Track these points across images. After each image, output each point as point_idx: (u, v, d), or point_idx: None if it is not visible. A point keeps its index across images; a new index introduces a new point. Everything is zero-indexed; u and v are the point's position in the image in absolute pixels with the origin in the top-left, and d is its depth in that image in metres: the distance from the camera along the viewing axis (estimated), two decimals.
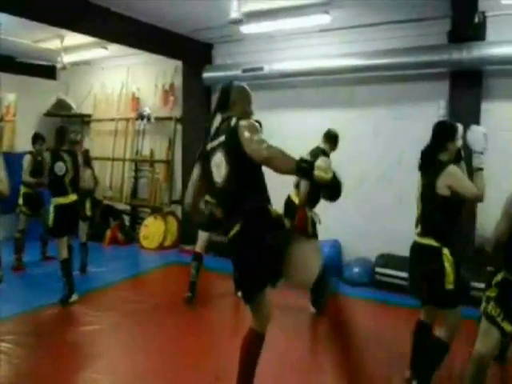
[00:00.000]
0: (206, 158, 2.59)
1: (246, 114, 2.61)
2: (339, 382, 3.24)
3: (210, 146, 2.57)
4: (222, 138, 2.48)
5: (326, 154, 4.63)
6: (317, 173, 2.16)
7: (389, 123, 5.86)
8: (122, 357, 3.75)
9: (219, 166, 2.49)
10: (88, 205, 5.83)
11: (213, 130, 2.63)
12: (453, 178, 2.80)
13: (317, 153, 4.62)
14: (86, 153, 6.54)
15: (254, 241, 2.41)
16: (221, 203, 2.62)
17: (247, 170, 2.43)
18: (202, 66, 6.93)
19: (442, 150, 2.93)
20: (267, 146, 2.28)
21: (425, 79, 5.53)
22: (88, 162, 6.11)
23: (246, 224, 2.42)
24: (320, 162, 2.19)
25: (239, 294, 2.59)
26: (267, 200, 2.53)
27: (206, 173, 2.61)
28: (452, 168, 2.83)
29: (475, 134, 2.95)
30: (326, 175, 2.17)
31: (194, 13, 5.57)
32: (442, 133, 2.99)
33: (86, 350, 3.84)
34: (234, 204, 2.49)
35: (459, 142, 3.00)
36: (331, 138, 4.65)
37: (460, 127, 3.02)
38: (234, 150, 2.41)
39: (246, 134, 2.36)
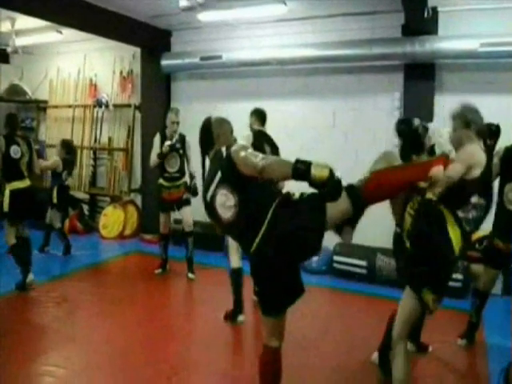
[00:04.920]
0: (210, 208, 2.51)
1: (231, 142, 2.62)
2: (301, 367, 3.34)
3: (209, 195, 2.49)
4: (219, 174, 2.43)
5: (267, 135, 4.56)
6: (313, 171, 2.08)
7: (346, 114, 5.94)
8: (75, 349, 3.71)
9: (224, 203, 2.40)
10: (55, 192, 5.88)
11: (206, 172, 2.59)
12: None
13: (260, 135, 4.55)
14: (70, 143, 6.44)
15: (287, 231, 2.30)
16: (239, 230, 2.48)
17: (254, 189, 2.37)
18: (161, 53, 6.81)
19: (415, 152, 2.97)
20: (261, 157, 2.26)
21: (380, 71, 5.62)
22: (70, 152, 6.22)
23: (274, 222, 2.31)
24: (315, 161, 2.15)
25: (263, 309, 2.45)
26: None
27: (215, 218, 2.53)
28: None
29: (443, 136, 3.03)
30: (323, 172, 2.08)
31: None
32: (412, 134, 3.01)
33: (37, 342, 3.79)
34: (252, 221, 2.36)
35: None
36: (265, 118, 4.59)
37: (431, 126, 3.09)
38: (234, 176, 2.37)
39: (239, 155, 2.34)
